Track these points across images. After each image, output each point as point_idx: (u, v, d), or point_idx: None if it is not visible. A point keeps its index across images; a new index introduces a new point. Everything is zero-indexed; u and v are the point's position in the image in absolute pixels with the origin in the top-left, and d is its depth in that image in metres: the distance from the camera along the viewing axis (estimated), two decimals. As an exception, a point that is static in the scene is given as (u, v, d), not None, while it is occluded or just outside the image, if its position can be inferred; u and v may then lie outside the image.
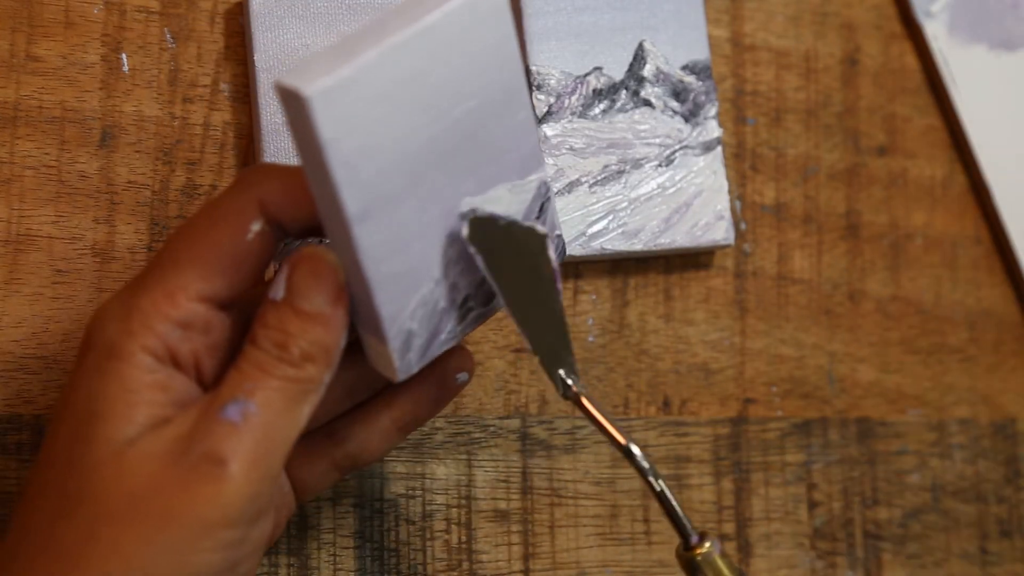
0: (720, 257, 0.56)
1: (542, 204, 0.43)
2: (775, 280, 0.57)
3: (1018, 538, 0.59)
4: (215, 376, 0.40)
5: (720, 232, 0.54)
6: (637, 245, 0.53)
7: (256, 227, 0.40)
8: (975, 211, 0.60)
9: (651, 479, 0.43)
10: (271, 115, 0.50)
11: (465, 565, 0.51)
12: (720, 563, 0.43)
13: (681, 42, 0.54)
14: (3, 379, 0.47)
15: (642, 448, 0.54)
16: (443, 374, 0.45)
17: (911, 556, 0.57)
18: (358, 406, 0.46)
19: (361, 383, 0.45)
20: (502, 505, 0.52)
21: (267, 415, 0.38)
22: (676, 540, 0.54)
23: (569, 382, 0.43)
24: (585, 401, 0.43)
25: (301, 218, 0.40)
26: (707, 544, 0.43)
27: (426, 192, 0.40)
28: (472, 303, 0.42)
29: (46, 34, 0.50)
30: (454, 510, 0.52)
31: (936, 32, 0.60)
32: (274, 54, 0.50)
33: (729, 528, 0.55)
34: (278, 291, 0.39)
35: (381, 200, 0.39)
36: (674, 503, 0.43)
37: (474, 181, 0.41)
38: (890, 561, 0.57)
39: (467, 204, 0.41)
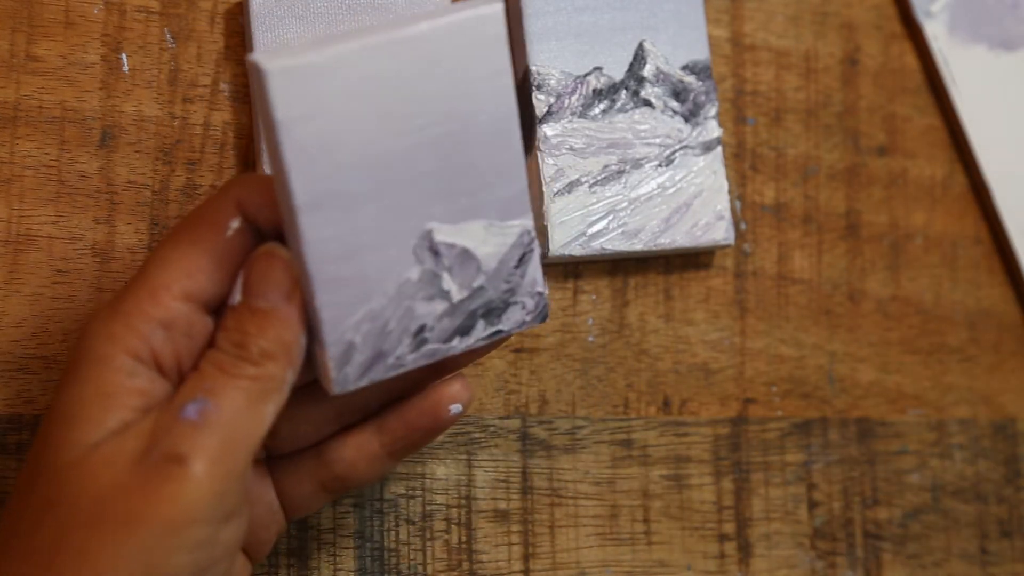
0: (720, 257, 0.56)
1: (523, 255, 0.42)
2: (775, 280, 0.57)
3: (1018, 538, 0.59)
4: None
5: (720, 232, 0.54)
6: (637, 245, 0.53)
7: (235, 224, 0.40)
8: (975, 211, 0.60)
9: None
10: (271, 115, 0.50)
11: (465, 565, 0.51)
12: None
13: (681, 42, 0.54)
14: (3, 379, 0.47)
15: (642, 448, 0.54)
16: (436, 403, 0.45)
17: (911, 556, 0.57)
18: (349, 428, 0.45)
19: (352, 405, 0.45)
20: (502, 505, 0.52)
21: (227, 413, 0.38)
22: (677, 540, 0.54)
23: None
24: None
25: (275, 218, 0.40)
26: None
27: (390, 204, 0.39)
28: (428, 335, 0.41)
29: (46, 34, 0.50)
30: (454, 510, 0.52)
31: (936, 32, 0.60)
32: (274, 54, 0.50)
33: (729, 528, 0.55)
34: (235, 295, 0.40)
35: (336, 196, 0.38)
36: None
37: (446, 208, 0.40)
38: (890, 561, 0.57)
39: (434, 229, 0.40)
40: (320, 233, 0.39)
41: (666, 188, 0.53)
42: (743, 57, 0.58)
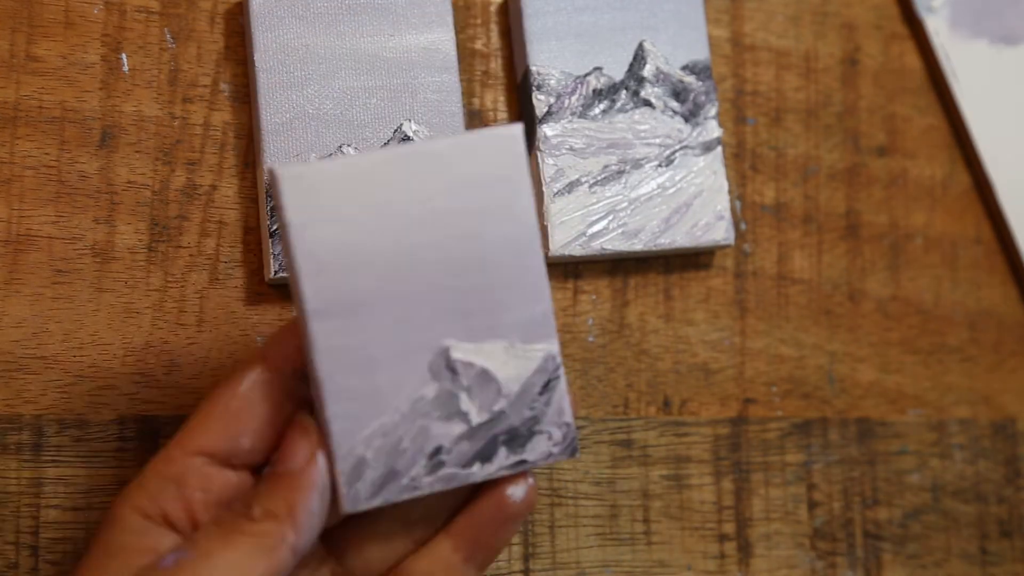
0: (720, 257, 0.56)
1: (548, 381, 0.41)
2: (775, 280, 0.57)
3: (1018, 538, 0.59)
4: None
5: (720, 232, 0.54)
6: (637, 245, 0.53)
7: (252, 376, 0.40)
8: (975, 211, 0.60)
9: None
10: (271, 115, 0.50)
11: (465, 565, 0.51)
12: None
13: (681, 42, 0.54)
14: (3, 379, 0.48)
15: (642, 448, 0.54)
16: (497, 495, 0.42)
17: (911, 556, 0.57)
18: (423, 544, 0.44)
19: (415, 517, 0.43)
20: (502, 505, 0.52)
21: (203, 563, 0.38)
22: (677, 540, 0.54)
23: None
24: None
25: (297, 363, 0.40)
26: None
27: (404, 317, 0.39)
28: (445, 458, 0.40)
29: (46, 34, 0.50)
30: (454, 510, 0.52)
31: (937, 27, 0.60)
32: (274, 54, 0.50)
33: (729, 528, 0.55)
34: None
35: (347, 305, 0.38)
36: None
37: (463, 326, 0.40)
38: (890, 561, 0.57)
39: (451, 346, 0.40)
40: (331, 341, 0.38)
41: (666, 188, 0.53)
42: (743, 57, 0.58)
